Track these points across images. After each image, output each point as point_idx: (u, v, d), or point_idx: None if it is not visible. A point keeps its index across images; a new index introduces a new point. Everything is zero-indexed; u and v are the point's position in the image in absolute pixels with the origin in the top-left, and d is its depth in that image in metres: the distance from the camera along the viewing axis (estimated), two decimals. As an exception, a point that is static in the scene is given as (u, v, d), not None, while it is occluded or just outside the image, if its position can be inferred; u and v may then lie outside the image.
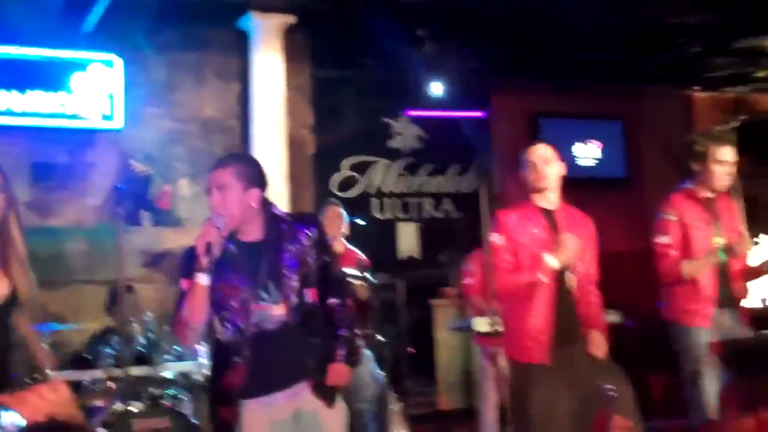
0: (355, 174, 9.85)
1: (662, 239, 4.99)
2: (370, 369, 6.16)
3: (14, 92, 7.69)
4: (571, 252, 4.33)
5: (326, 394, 3.62)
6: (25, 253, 2.89)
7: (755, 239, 5.68)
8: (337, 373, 3.65)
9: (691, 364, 4.88)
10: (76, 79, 7.88)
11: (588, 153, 11.11)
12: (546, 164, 4.48)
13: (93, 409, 5.51)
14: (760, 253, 5.45)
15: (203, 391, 5.85)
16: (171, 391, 5.87)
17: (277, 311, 3.55)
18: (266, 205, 3.69)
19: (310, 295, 3.64)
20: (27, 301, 2.87)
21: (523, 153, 4.56)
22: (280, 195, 8.17)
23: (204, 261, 3.42)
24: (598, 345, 4.39)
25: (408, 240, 10.12)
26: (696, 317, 4.90)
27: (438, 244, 9.75)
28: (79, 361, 6.20)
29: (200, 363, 5.85)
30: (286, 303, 3.56)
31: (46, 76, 7.81)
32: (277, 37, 8.24)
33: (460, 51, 8.87)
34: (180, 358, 6.03)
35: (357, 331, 3.90)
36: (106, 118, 7.90)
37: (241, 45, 8.40)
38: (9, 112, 7.65)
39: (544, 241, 4.42)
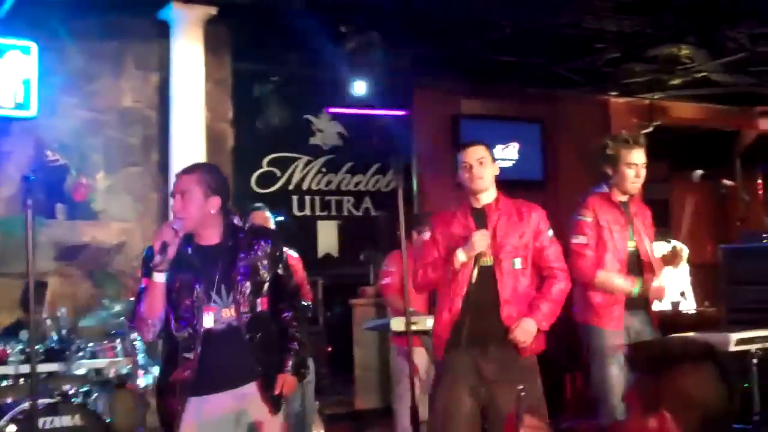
0: (275, 170, 9.81)
1: (578, 239, 5.05)
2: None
3: (-76, 77, 7.45)
4: (480, 246, 4.31)
5: (273, 401, 3.78)
6: None
7: (667, 242, 5.81)
8: (286, 383, 3.81)
9: (601, 365, 4.97)
10: (-10, 65, 7.66)
11: (507, 155, 11.24)
12: (481, 165, 4.48)
13: (2, 405, 5.38)
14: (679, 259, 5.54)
15: (116, 388, 5.76)
16: (83, 389, 5.77)
17: (226, 314, 3.72)
18: (226, 214, 3.88)
19: (262, 304, 3.82)
20: None
21: (459, 154, 4.54)
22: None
23: (158, 259, 3.57)
24: (516, 336, 4.34)
25: (328, 238, 10.11)
26: (606, 319, 4.99)
27: (358, 242, 9.77)
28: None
29: (113, 360, 5.77)
30: (236, 307, 3.73)
31: (-42, 62, 7.59)
32: (199, 29, 8.14)
33: (383, 49, 8.88)
34: (93, 354, 5.92)
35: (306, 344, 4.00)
36: (20, 106, 7.68)
37: (161, 35, 8.27)
38: None
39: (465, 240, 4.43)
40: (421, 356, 6.03)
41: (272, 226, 6.42)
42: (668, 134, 11.73)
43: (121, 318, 6.01)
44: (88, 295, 7.43)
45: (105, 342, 6.00)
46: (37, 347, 5.51)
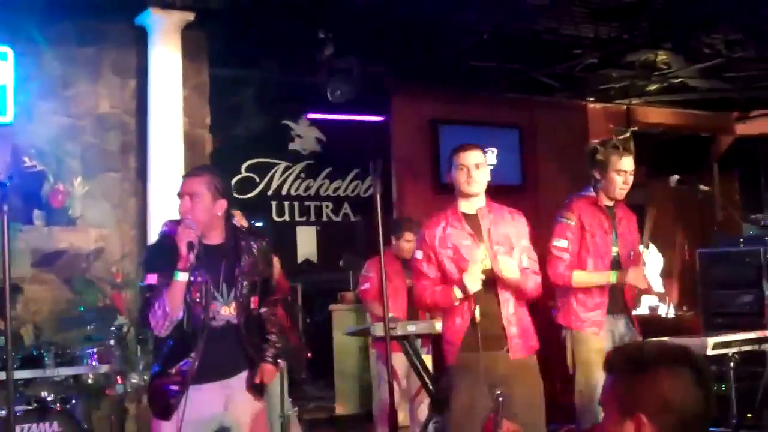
0: (254, 176, 9.79)
1: (559, 242, 5.04)
2: None
3: None
4: (473, 287, 4.31)
5: (257, 388, 4.08)
6: None
7: (643, 248, 5.82)
8: (267, 371, 4.09)
9: (584, 370, 4.97)
10: (-35, 70, 7.61)
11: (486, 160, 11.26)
12: (477, 169, 4.50)
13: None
14: (649, 262, 5.56)
15: (94, 394, 5.73)
16: (61, 395, 5.73)
17: (225, 312, 3.95)
18: (228, 215, 4.10)
19: (254, 302, 4.09)
20: None
21: (455, 156, 4.55)
22: (176, 195, 8.05)
23: (190, 259, 3.76)
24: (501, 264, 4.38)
25: (307, 244, 10.11)
26: (588, 323, 4.98)
27: (337, 248, 9.77)
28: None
29: (91, 367, 5.74)
30: (236, 305, 3.97)
31: (-67, 67, 7.52)
32: (176, 35, 8.11)
33: (361, 55, 8.89)
34: (71, 361, 5.88)
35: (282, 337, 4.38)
36: (-5, 111, 7.64)
37: (139, 41, 8.23)
38: None
39: (463, 247, 4.44)
40: (400, 362, 6.03)
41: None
42: (645, 139, 11.78)
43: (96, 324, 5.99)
44: (65, 302, 7.38)
45: (83, 348, 5.97)
46: (14, 354, 5.48)
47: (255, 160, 9.80)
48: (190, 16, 8.07)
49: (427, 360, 6.18)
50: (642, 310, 7.33)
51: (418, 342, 6.05)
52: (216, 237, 3.99)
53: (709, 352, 5.20)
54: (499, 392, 2.50)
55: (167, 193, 8.01)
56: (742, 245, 7.36)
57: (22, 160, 7.63)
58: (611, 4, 8.57)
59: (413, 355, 5.75)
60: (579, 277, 4.99)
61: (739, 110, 13.14)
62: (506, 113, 11.65)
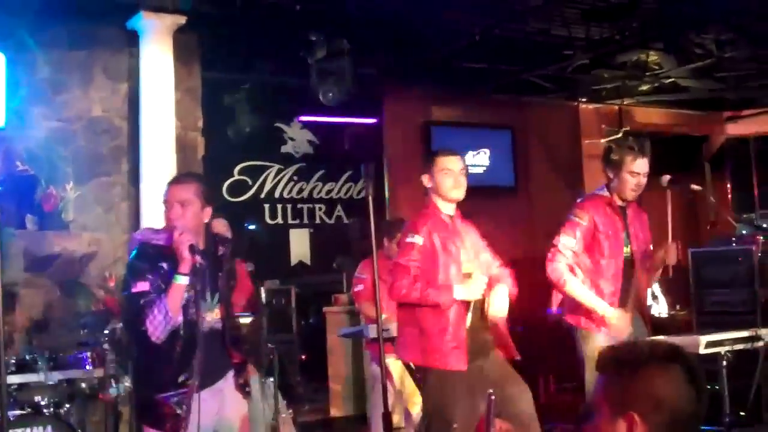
0: (246, 179, 9.78)
1: (566, 239, 4.98)
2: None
3: None
4: (479, 291, 4.40)
5: (242, 388, 4.17)
6: None
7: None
8: (249, 371, 4.29)
9: (591, 368, 4.93)
10: (-43, 75, 7.59)
11: (478, 161, 11.28)
12: (462, 175, 4.55)
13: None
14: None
15: (88, 398, 5.72)
16: (55, 399, 5.72)
17: (210, 316, 4.00)
18: (208, 222, 4.16)
19: (233, 306, 4.23)
20: None
21: (440, 160, 4.57)
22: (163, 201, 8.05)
23: (196, 260, 3.80)
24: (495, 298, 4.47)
25: (300, 246, 10.10)
26: (596, 322, 4.94)
27: (330, 250, 9.76)
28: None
29: (85, 371, 5.73)
30: (220, 309, 4.05)
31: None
32: (168, 38, 8.11)
33: (353, 57, 8.89)
34: (65, 365, 5.87)
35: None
36: (-13, 116, 7.63)
37: (130, 44, 8.23)
38: None
39: (450, 250, 4.50)
40: (395, 363, 6.04)
41: (229, 232, 6.38)
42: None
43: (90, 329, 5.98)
44: (58, 306, 7.37)
45: (76, 353, 5.96)
46: (7, 358, 5.47)
47: (247, 163, 9.78)
48: (181, 20, 8.07)
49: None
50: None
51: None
52: (200, 243, 3.99)
53: (702, 350, 5.20)
54: (491, 391, 2.51)
55: (160, 197, 8.01)
56: (734, 244, 7.38)
57: (14, 165, 7.62)
58: (602, 5, 8.59)
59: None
60: (574, 288, 4.95)
61: (730, 110, 13.19)
62: (498, 114, 11.67)
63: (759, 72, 10.77)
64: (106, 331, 6.09)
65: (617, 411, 1.97)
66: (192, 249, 3.80)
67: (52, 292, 7.45)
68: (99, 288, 7.20)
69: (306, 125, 10.16)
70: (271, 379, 6.29)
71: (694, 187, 5.54)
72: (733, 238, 7.47)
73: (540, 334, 8.58)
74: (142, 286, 3.88)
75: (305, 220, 10.13)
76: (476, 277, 4.41)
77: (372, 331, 5.56)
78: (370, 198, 4.24)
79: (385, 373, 4.28)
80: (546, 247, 5.11)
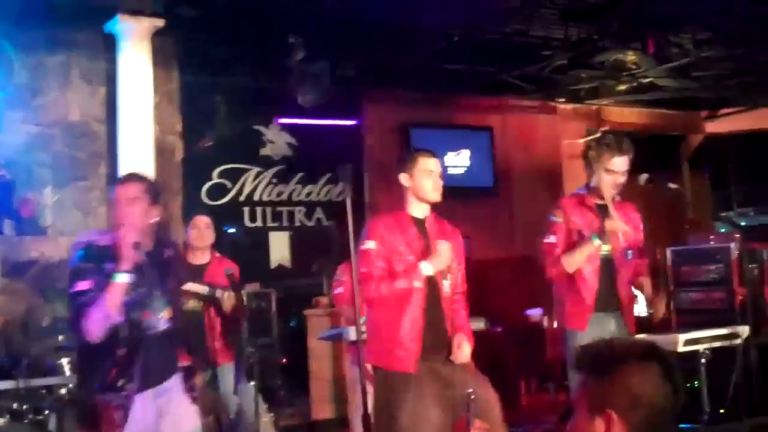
0: (225, 182, 9.75)
1: (549, 239, 5.01)
2: (228, 383, 6.04)
3: None
4: (446, 259, 4.35)
5: (191, 391, 4.19)
6: None
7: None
8: (199, 375, 4.35)
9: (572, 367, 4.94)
10: (-67, 80, 7.56)
11: (457, 162, 11.30)
12: (441, 178, 4.51)
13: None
14: None
15: (67, 405, 5.68)
16: (33, 406, 5.69)
17: (159, 318, 3.95)
18: (160, 224, 4.10)
19: (180, 308, 4.21)
20: None
21: (420, 160, 4.52)
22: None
23: (137, 257, 3.77)
24: (462, 351, 4.39)
25: (280, 249, 10.07)
26: (576, 320, 4.95)
27: (310, 253, 9.73)
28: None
29: (64, 377, 5.69)
30: (169, 311, 3.98)
31: None
32: (146, 41, 8.09)
33: (333, 59, 8.89)
34: (43, 371, 5.84)
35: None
36: (-36, 121, 7.59)
37: (108, 48, 8.20)
38: None
39: (416, 249, 4.42)
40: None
41: (212, 232, 6.33)
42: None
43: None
44: (37, 311, 7.32)
45: (55, 359, 5.92)
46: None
47: (226, 166, 9.75)
48: (159, 23, 8.04)
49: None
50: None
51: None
52: (147, 245, 3.95)
53: (681, 348, 5.24)
54: (470, 391, 2.51)
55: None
56: (712, 242, 7.43)
57: (-9, 170, 7.59)
58: (581, 5, 8.62)
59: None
60: (568, 259, 4.94)
61: (708, 109, 13.28)
62: (477, 115, 11.70)
63: (735, 71, 10.84)
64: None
65: (595, 409, 1.98)
66: (135, 246, 3.77)
67: (30, 298, 7.40)
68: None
69: (285, 128, 10.14)
70: (252, 383, 6.26)
71: (671, 185, 5.57)
72: (711, 236, 7.52)
73: (519, 335, 8.61)
74: (83, 285, 3.85)
75: (285, 223, 10.11)
76: (439, 247, 4.34)
77: (352, 334, 5.54)
78: (348, 200, 4.23)
79: (365, 375, 4.24)
80: (525, 247, 5.12)
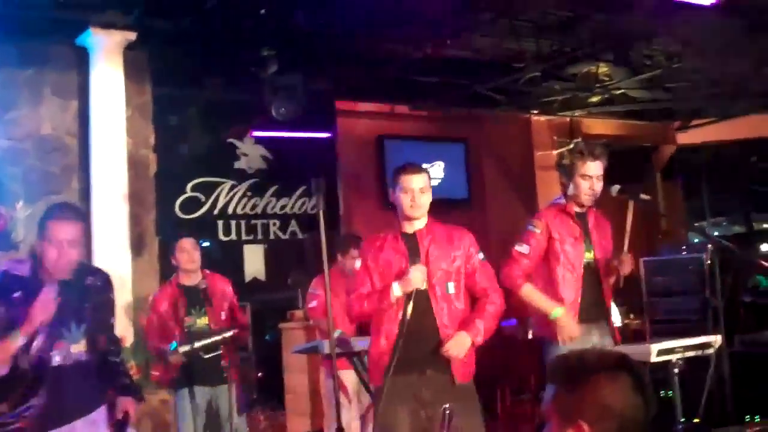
0: (199, 195, 9.71)
1: (521, 247, 4.98)
2: (197, 401, 5.98)
3: None
4: (417, 282, 4.27)
5: (118, 425, 3.91)
6: None
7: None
8: (130, 404, 3.96)
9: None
10: None
11: (432, 174, 11.30)
12: (422, 194, 4.45)
13: None
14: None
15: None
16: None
17: (75, 349, 3.77)
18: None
19: (102, 339, 3.94)
20: None
21: (400, 178, 4.47)
22: (120, 216, 7.97)
23: (42, 317, 3.55)
24: (453, 342, 4.30)
25: (255, 262, 10.04)
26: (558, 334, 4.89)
27: (285, 266, 9.71)
28: None
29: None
30: (86, 342, 3.81)
31: None
32: (118, 55, 8.06)
33: (306, 72, 8.90)
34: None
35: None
36: (-67, 136, 7.53)
37: (80, 62, 8.17)
38: None
39: (396, 268, 4.38)
40: (351, 379, 6.02)
41: (199, 251, 6.30)
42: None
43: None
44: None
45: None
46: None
47: (200, 180, 9.71)
48: (131, 36, 8.02)
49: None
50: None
51: (368, 358, 6.02)
52: (65, 273, 3.75)
53: (653, 359, 5.24)
54: (446, 405, 2.50)
55: (111, 215, 7.96)
56: (684, 253, 7.48)
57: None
58: (552, 17, 8.68)
59: (363, 372, 5.73)
60: (527, 292, 4.95)
61: (680, 120, 13.39)
62: (451, 127, 11.74)
63: (706, 82, 10.94)
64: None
65: (566, 420, 1.99)
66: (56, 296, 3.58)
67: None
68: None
69: (259, 140, 10.12)
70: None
71: (644, 196, 5.56)
72: (684, 247, 7.57)
73: (496, 346, 8.61)
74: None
75: (259, 236, 10.08)
76: (413, 268, 4.29)
77: (327, 347, 5.52)
78: (321, 213, 4.22)
79: (339, 387, 4.23)
80: (500, 258, 5.11)
